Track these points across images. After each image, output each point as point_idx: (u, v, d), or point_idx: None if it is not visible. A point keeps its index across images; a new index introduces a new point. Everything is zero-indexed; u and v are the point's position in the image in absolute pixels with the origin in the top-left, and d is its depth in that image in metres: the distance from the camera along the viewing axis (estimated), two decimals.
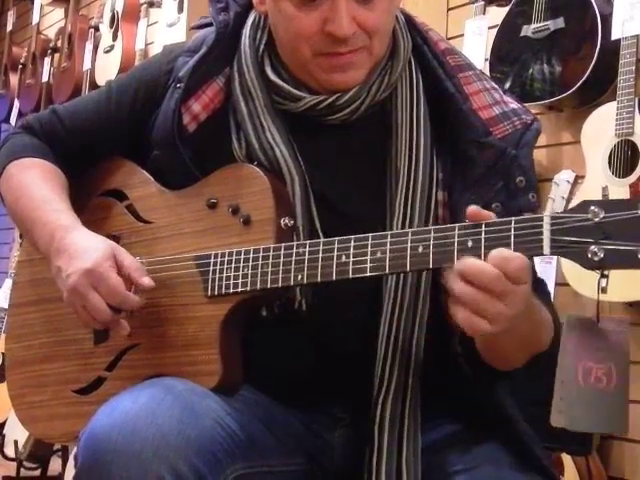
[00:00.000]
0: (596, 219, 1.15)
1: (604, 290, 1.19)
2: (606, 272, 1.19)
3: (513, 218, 1.20)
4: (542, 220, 1.18)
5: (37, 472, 4.25)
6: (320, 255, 1.32)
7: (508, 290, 1.18)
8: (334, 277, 1.31)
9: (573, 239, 1.16)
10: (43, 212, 1.53)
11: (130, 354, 1.48)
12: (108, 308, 1.40)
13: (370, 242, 1.29)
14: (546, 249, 1.17)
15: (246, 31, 1.53)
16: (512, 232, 1.19)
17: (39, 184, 1.57)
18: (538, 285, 1.37)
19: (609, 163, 2.61)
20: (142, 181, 1.56)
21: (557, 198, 2.69)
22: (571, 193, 2.69)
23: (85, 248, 1.44)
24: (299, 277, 1.33)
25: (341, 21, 1.39)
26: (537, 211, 1.46)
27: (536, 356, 1.38)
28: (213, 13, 1.53)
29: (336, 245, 1.31)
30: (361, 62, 1.45)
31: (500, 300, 1.19)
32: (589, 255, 1.15)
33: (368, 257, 1.29)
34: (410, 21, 1.55)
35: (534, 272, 1.47)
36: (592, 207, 1.15)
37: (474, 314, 1.19)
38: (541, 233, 1.18)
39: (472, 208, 1.23)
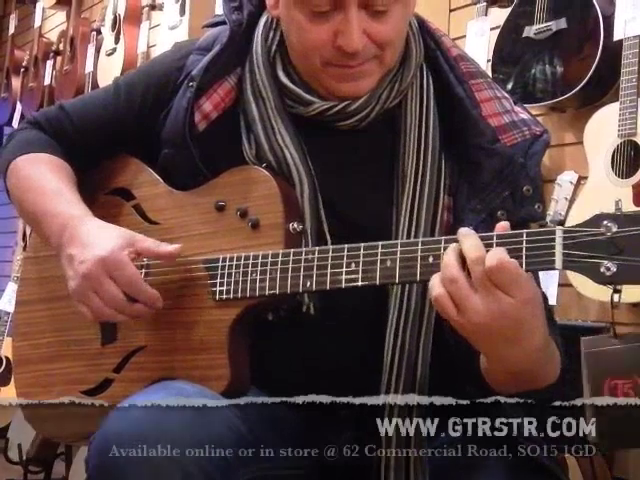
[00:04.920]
0: (609, 233, 1.13)
1: (616, 305, 1.18)
2: (619, 287, 1.18)
3: (525, 231, 1.19)
4: (554, 234, 1.17)
5: (40, 475, 4.24)
6: (329, 262, 1.31)
7: (488, 285, 1.17)
8: (343, 285, 1.30)
9: (586, 254, 1.14)
10: (54, 204, 1.51)
11: (138, 356, 1.48)
12: (124, 296, 1.39)
13: (380, 250, 1.28)
14: (558, 263, 1.16)
15: (258, 31, 1.52)
16: (524, 245, 1.18)
17: (48, 177, 1.56)
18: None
19: (612, 164, 2.61)
20: (149, 180, 1.56)
21: (560, 199, 2.69)
22: (574, 194, 2.69)
23: (100, 236, 1.42)
24: (308, 284, 1.33)
25: (351, 36, 1.38)
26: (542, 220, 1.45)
27: (543, 390, 1.35)
28: (227, 12, 1.52)
29: (345, 252, 1.30)
30: (371, 71, 1.44)
31: (477, 292, 1.17)
32: (601, 270, 1.13)
33: (378, 266, 1.28)
34: (424, 26, 1.54)
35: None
36: (605, 221, 1.14)
37: (447, 289, 1.18)
38: (553, 247, 1.16)
39: (504, 226, 1.22)
